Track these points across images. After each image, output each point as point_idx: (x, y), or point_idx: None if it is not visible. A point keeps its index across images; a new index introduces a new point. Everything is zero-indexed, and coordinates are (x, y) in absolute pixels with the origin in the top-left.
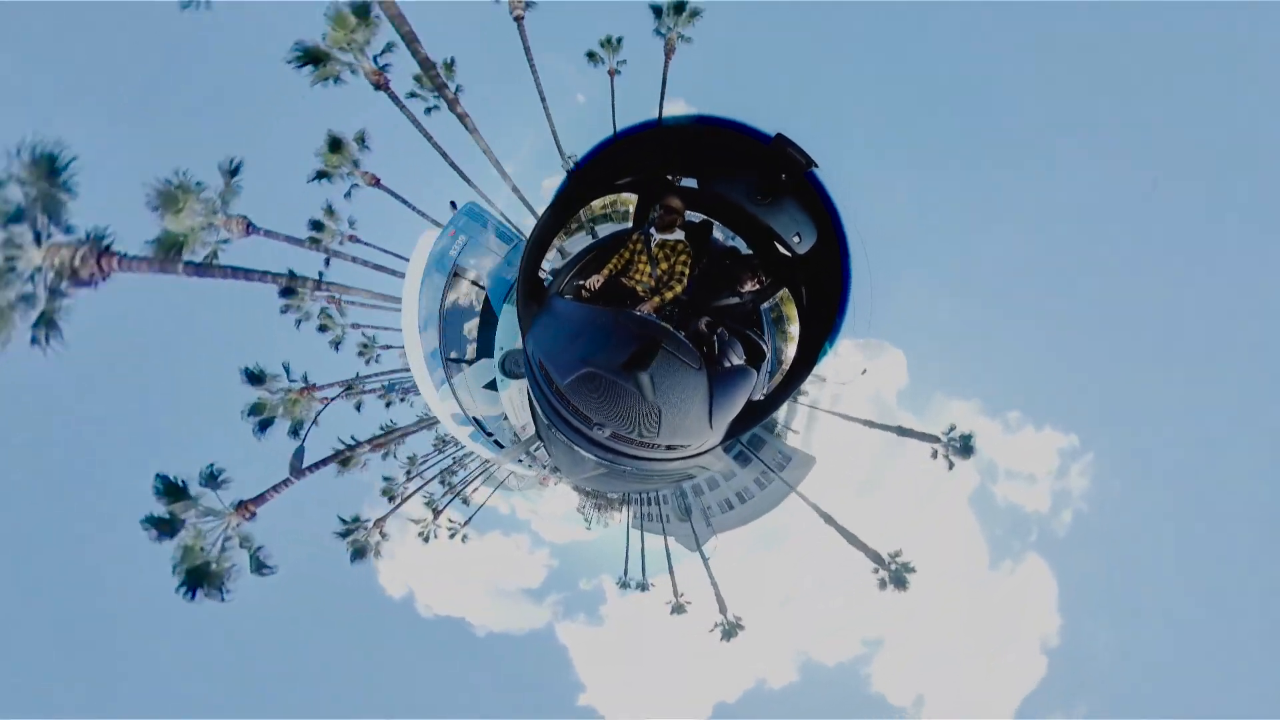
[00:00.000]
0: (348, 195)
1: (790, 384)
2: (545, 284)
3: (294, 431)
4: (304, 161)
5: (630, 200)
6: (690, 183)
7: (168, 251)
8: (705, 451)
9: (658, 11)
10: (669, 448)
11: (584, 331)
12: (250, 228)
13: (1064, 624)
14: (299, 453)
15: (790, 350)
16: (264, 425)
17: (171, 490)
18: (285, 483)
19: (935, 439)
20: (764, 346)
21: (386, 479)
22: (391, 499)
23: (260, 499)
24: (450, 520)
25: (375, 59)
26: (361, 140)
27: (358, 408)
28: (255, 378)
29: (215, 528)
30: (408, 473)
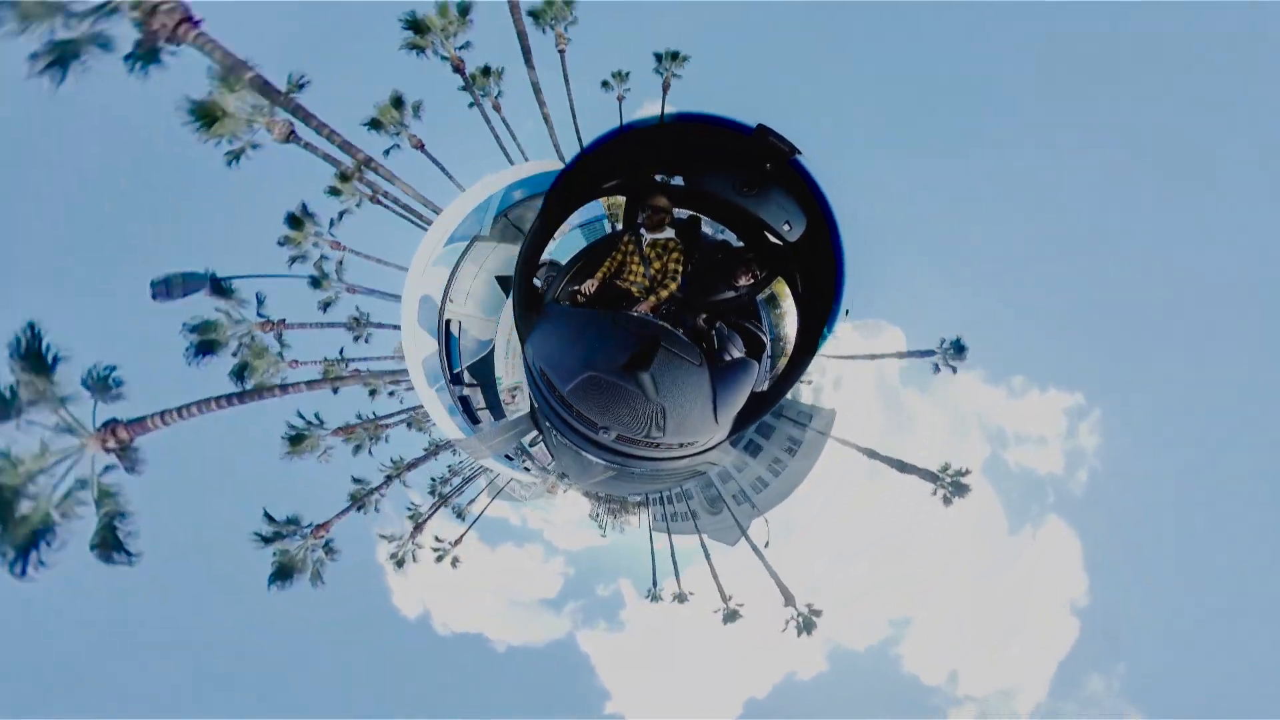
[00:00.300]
0: (387, 153)
1: (793, 373)
2: (541, 292)
3: (239, 374)
4: (357, 113)
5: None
6: (678, 181)
7: (201, 124)
8: (713, 447)
9: (659, 57)
10: (676, 446)
11: (582, 336)
12: (293, 135)
13: (1092, 583)
14: (189, 280)
15: (783, 324)
16: (204, 349)
17: (31, 358)
18: (184, 410)
19: (931, 352)
20: (763, 338)
21: (357, 481)
22: (361, 507)
23: (138, 424)
24: (437, 540)
25: (457, 49)
26: (417, 109)
27: (335, 390)
28: (220, 289)
29: (69, 450)
30: (388, 478)
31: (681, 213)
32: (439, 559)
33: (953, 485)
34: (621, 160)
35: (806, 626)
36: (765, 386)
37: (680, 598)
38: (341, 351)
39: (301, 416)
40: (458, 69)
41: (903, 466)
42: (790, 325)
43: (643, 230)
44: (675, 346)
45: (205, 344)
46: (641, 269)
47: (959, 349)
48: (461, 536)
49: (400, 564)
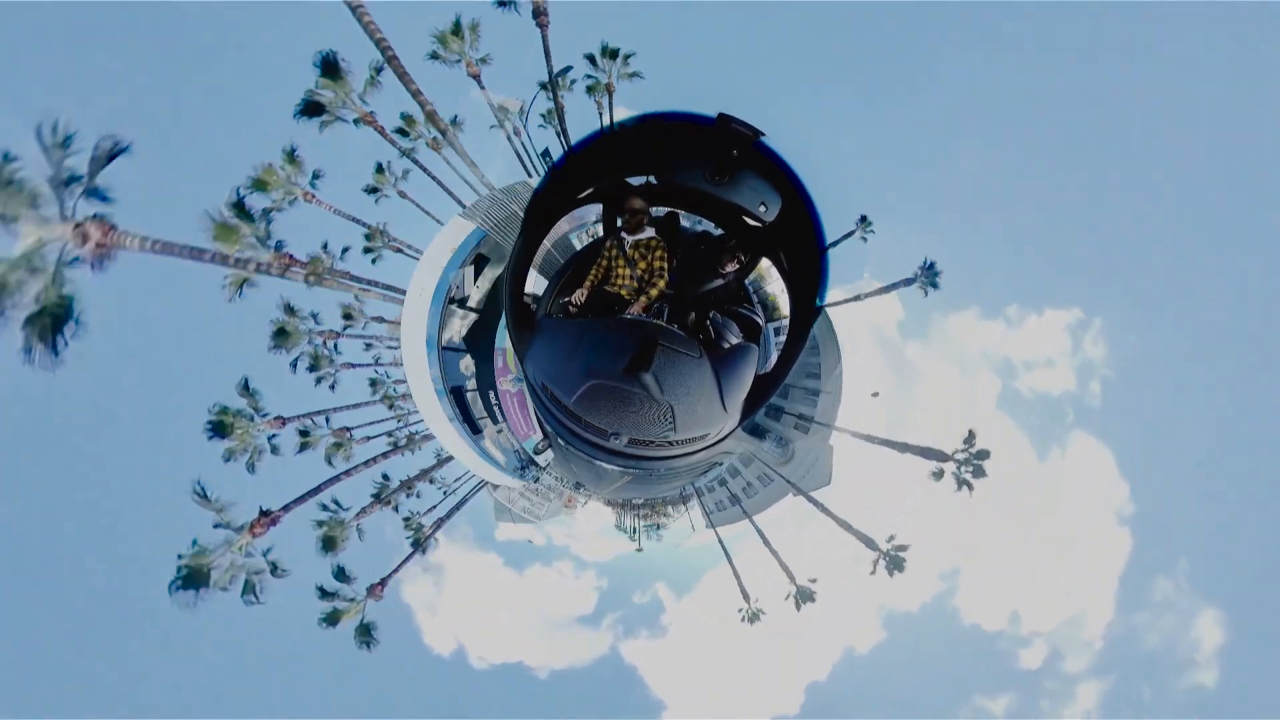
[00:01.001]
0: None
1: (794, 349)
2: (532, 309)
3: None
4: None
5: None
6: (651, 180)
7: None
8: (727, 436)
9: (606, 53)
10: (689, 440)
11: (580, 346)
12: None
13: (1132, 488)
14: None
15: (775, 302)
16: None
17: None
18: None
19: (910, 280)
20: (758, 320)
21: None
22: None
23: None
24: (340, 579)
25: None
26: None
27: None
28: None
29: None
30: (305, 435)
31: (659, 211)
32: (328, 619)
33: (927, 279)
34: (593, 169)
35: (976, 466)
36: (768, 367)
37: (805, 595)
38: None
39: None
40: (560, 117)
41: (887, 285)
42: (782, 302)
43: (623, 233)
44: (673, 342)
45: (258, 183)
46: (628, 271)
47: (932, 272)
48: (384, 581)
49: (189, 581)
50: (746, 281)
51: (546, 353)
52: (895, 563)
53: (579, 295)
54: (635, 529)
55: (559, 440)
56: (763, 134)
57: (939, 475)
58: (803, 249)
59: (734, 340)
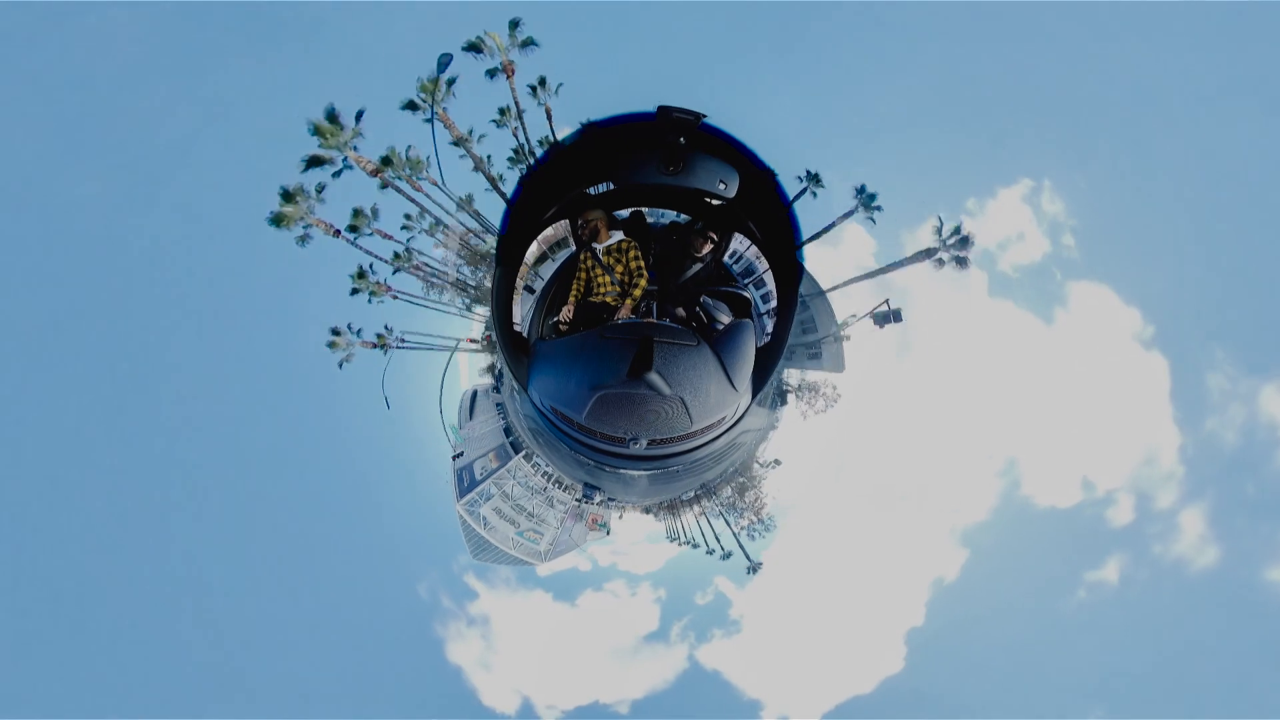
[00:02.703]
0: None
1: (787, 312)
2: (524, 336)
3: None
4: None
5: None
6: (610, 187)
7: None
8: (744, 415)
9: (532, 88)
10: (709, 428)
11: (579, 361)
12: None
13: (1144, 312)
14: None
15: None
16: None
17: None
18: None
19: (933, 251)
20: (745, 294)
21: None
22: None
23: None
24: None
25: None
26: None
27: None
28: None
29: None
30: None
31: (623, 213)
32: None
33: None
34: (551, 190)
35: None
36: (767, 338)
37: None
38: None
39: None
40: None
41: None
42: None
43: (594, 244)
44: (668, 336)
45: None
46: (608, 278)
47: (867, 196)
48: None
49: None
50: (725, 259)
51: (547, 375)
52: (960, 251)
53: (566, 312)
54: (719, 538)
55: (585, 460)
56: (704, 116)
57: (931, 256)
58: (770, 213)
59: (726, 319)
